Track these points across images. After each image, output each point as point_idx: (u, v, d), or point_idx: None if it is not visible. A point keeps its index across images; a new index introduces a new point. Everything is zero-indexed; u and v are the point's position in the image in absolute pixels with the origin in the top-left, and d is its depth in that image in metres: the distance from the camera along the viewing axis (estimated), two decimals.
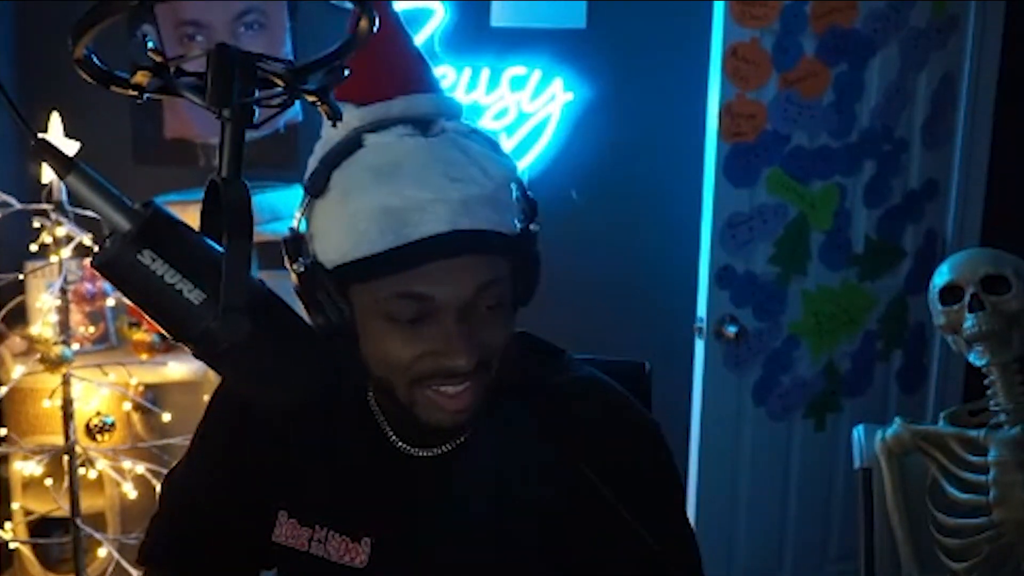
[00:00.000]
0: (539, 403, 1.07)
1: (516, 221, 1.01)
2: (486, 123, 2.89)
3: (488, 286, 0.98)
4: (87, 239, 2.13)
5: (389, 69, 1.01)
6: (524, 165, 2.90)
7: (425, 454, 1.09)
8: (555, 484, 1.03)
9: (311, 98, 0.80)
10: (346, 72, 0.80)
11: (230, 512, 1.12)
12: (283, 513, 1.09)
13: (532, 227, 1.02)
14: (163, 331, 0.73)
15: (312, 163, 0.99)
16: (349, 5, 0.77)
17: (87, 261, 2.46)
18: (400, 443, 1.09)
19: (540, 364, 1.13)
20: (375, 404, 1.11)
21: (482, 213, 0.96)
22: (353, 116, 0.99)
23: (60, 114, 2.18)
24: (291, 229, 0.99)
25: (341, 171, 0.97)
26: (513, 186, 1.01)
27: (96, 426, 2.54)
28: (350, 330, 0.98)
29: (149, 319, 0.73)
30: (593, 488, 1.01)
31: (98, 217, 0.72)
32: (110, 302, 2.59)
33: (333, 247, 0.97)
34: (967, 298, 1.79)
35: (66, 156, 0.71)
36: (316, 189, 0.97)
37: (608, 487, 1.01)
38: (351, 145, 0.97)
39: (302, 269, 0.97)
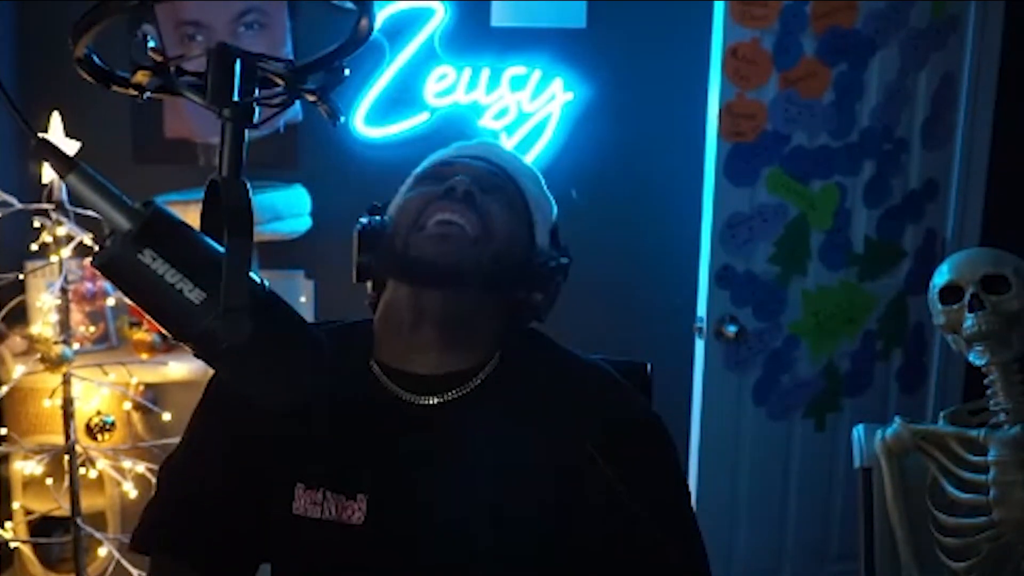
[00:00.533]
0: (548, 374, 1.17)
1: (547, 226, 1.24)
2: (486, 123, 2.89)
3: (498, 178, 1.19)
4: (87, 239, 2.13)
5: None
6: None
7: (425, 402, 1.13)
8: (554, 451, 1.09)
9: (311, 98, 0.81)
10: (346, 72, 0.80)
11: (232, 492, 1.14)
12: (300, 485, 1.11)
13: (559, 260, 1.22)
14: (164, 330, 0.73)
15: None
16: (349, 5, 0.77)
17: (87, 261, 2.46)
18: (401, 392, 1.14)
19: (552, 348, 1.23)
20: (376, 365, 1.17)
21: (511, 164, 1.24)
22: None
23: (60, 114, 2.18)
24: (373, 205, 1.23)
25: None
26: (537, 182, 1.26)
27: (96, 426, 2.54)
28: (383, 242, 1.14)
29: (150, 318, 0.74)
30: (594, 463, 1.06)
31: (98, 217, 0.72)
32: (110, 302, 2.59)
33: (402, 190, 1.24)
34: (967, 298, 1.78)
35: (66, 156, 0.71)
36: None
37: (611, 467, 1.06)
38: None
39: (359, 225, 1.16)
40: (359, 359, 1.18)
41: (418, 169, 1.26)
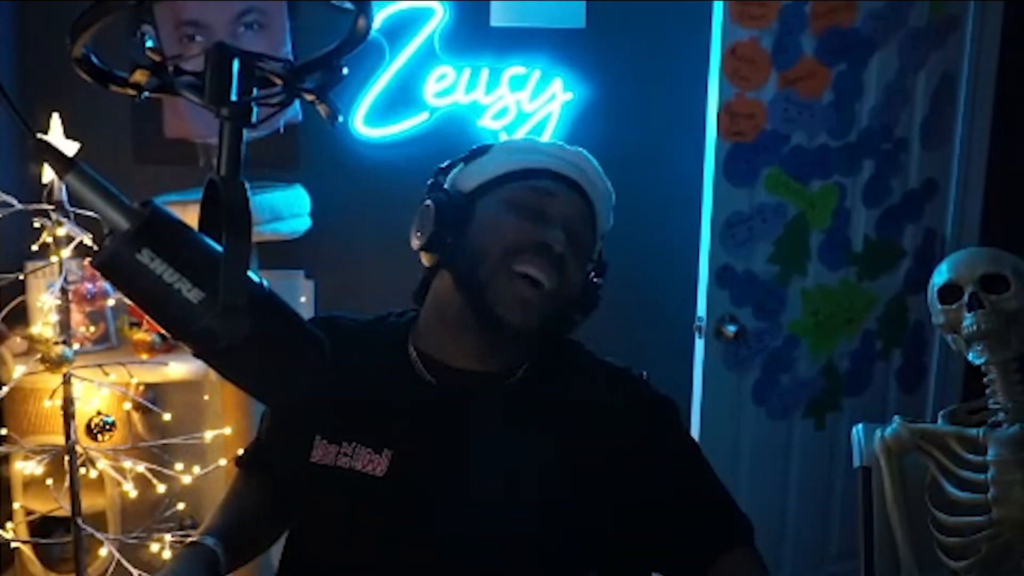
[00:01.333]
0: (578, 371, 1.29)
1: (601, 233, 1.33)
2: (486, 123, 2.89)
3: (585, 226, 1.26)
4: (87, 239, 2.13)
5: None
6: None
7: (451, 385, 1.24)
8: (580, 438, 1.20)
9: (310, 97, 0.81)
10: (344, 71, 0.80)
11: (284, 440, 1.29)
12: (318, 437, 1.22)
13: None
14: (163, 330, 0.73)
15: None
16: (348, 5, 0.78)
17: (87, 261, 2.46)
18: (430, 378, 1.25)
19: (580, 351, 1.36)
20: (413, 351, 1.27)
21: (595, 190, 1.30)
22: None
23: (60, 114, 2.18)
24: (440, 167, 1.29)
25: (500, 143, 1.31)
26: (610, 200, 1.35)
27: (97, 426, 2.54)
28: (460, 233, 1.21)
29: (149, 318, 0.74)
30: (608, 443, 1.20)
31: (97, 216, 0.72)
32: (110, 302, 2.59)
33: (480, 173, 1.25)
34: (966, 297, 1.79)
35: (65, 156, 0.71)
36: (477, 151, 1.29)
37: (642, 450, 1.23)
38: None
39: (442, 187, 1.26)
40: (399, 343, 1.29)
41: (513, 163, 1.27)
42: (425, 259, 1.28)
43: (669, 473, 1.26)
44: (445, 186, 1.27)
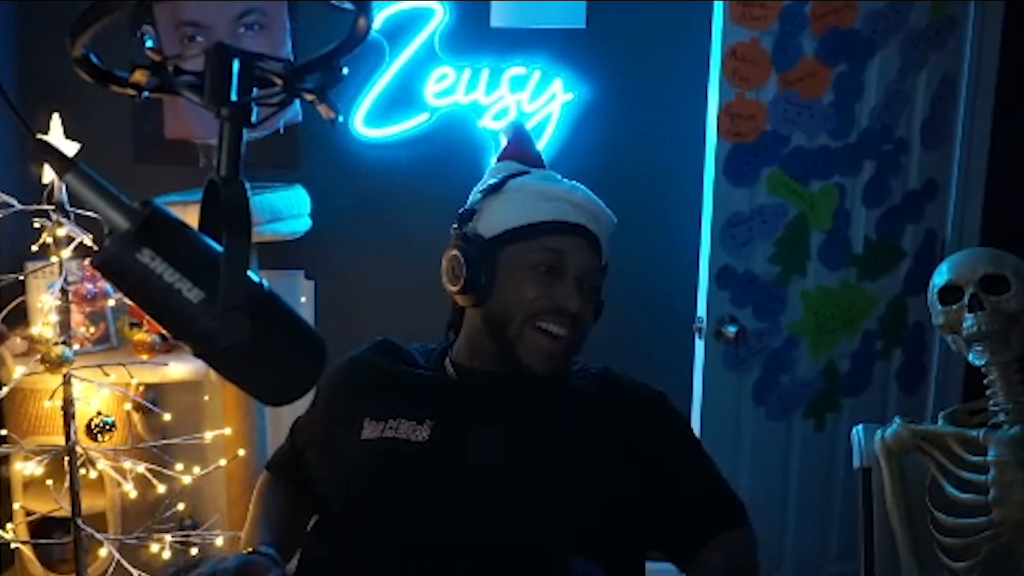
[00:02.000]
0: (591, 377, 1.47)
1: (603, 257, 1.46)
2: (486, 123, 2.89)
3: (593, 271, 1.42)
4: (88, 239, 2.13)
5: None
6: None
7: (480, 379, 1.42)
8: (593, 422, 1.37)
9: (310, 97, 0.81)
10: (344, 71, 0.80)
11: (334, 429, 1.42)
12: (367, 419, 1.37)
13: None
14: (163, 330, 0.73)
15: (487, 177, 1.46)
16: (348, 5, 0.77)
17: (87, 261, 2.46)
18: (461, 378, 1.43)
19: (587, 362, 1.52)
20: (450, 365, 1.45)
21: (602, 232, 1.45)
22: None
23: (60, 114, 2.18)
24: (465, 209, 1.42)
25: (514, 181, 1.44)
26: (612, 228, 1.48)
27: (97, 426, 2.54)
28: (489, 281, 1.37)
29: (149, 318, 0.74)
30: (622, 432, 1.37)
31: (98, 217, 0.72)
32: (111, 302, 2.59)
33: (499, 221, 1.39)
34: (966, 298, 1.79)
35: (65, 156, 0.71)
36: (493, 189, 1.42)
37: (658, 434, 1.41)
38: (521, 171, 1.48)
39: (466, 237, 1.39)
40: (438, 357, 1.48)
41: (528, 215, 1.40)
42: (461, 301, 1.43)
43: (664, 459, 1.39)
44: (467, 233, 1.40)
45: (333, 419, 1.43)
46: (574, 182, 1.49)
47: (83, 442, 2.33)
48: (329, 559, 1.34)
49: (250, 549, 1.30)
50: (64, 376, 2.17)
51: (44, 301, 2.19)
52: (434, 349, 1.52)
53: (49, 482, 2.40)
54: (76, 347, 2.26)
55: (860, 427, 1.93)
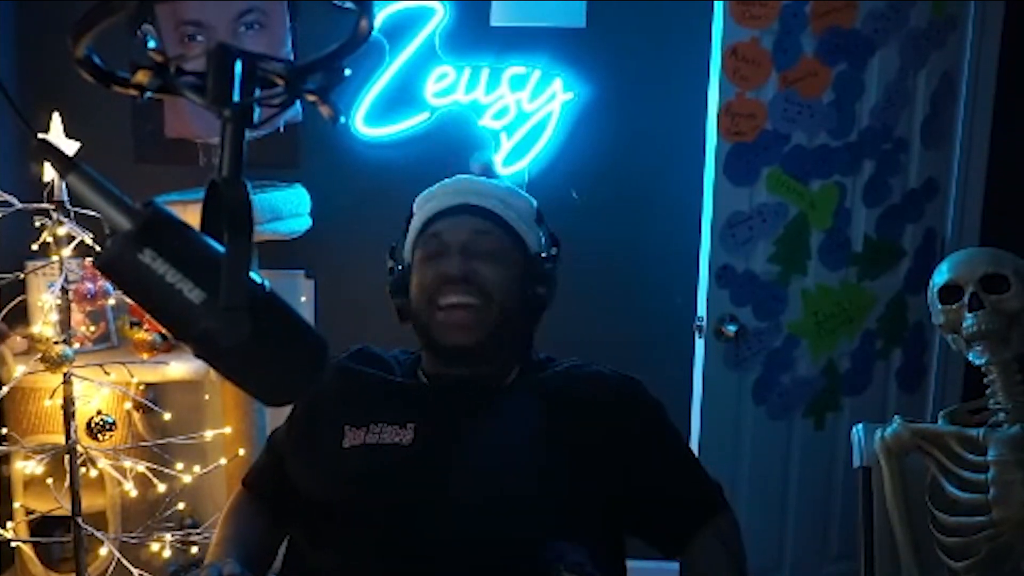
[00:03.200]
0: (561, 374, 1.47)
1: (537, 237, 1.47)
2: (486, 122, 2.89)
3: (484, 233, 1.41)
4: (88, 238, 2.13)
5: None
6: (524, 164, 2.91)
7: (455, 384, 1.44)
8: (571, 421, 1.38)
9: (311, 98, 0.81)
10: (346, 72, 0.80)
11: (314, 441, 1.43)
12: (348, 427, 1.38)
13: (551, 252, 1.48)
14: (164, 330, 0.73)
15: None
16: (349, 5, 0.77)
17: (88, 260, 2.46)
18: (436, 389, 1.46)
19: (557, 361, 1.53)
20: (422, 373, 1.49)
21: (490, 201, 1.44)
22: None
23: (61, 114, 2.18)
24: (392, 246, 1.51)
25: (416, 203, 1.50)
26: (533, 213, 1.48)
27: (97, 425, 2.54)
28: (407, 299, 1.45)
29: (150, 318, 0.74)
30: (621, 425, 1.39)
31: (99, 216, 0.72)
32: (111, 301, 2.59)
33: (407, 244, 1.48)
34: (966, 297, 1.79)
35: (66, 156, 0.71)
36: (407, 220, 1.49)
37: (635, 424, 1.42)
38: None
39: (391, 271, 1.49)
40: (411, 366, 1.51)
41: (419, 223, 1.48)
42: (406, 327, 1.50)
43: (643, 449, 1.41)
44: (392, 267, 1.50)
45: (314, 428, 1.44)
46: (463, 175, 1.53)
47: (83, 441, 2.33)
48: (316, 566, 1.35)
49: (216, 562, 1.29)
50: (64, 375, 2.17)
51: (44, 300, 2.19)
52: (412, 354, 1.55)
53: (49, 481, 2.40)
54: (76, 346, 2.26)
55: (860, 426, 1.93)
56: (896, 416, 1.87)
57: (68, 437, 2.21)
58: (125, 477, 2.28)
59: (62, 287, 2.16)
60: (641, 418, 1.45)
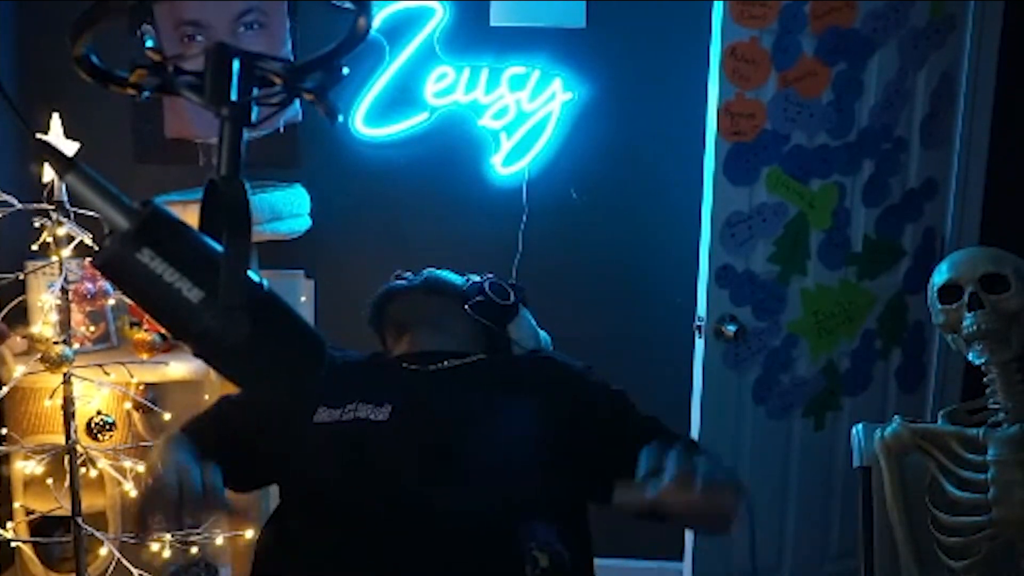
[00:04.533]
0: (518, 358, 1.60)
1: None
2: (486, 122, 2.89)
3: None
4: (88, 239, 2.13)
5: None
6: (524, 164, 2.91)
7: (430, 368, 1.51)
8: (529, 395, 1.45)
9: (310, 97, 0.81)
10: (345, 71, 0.80)
11: (267, 422, 1.43)
12: (322, 407, 1.41)
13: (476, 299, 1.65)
14: (163, 329, 0.73)
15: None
16: (349, 5, 0.78)
17: (88, 260, 2.46)
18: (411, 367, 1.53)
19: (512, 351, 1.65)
20: (394, 359, 1.58)
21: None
22: None
23: (60, 114, 2.18)
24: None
25: None
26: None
27: (97, 425, 2.54)
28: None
29: (149, 317, 0.74)
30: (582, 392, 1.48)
31: (98, 216, 0.72)
32: (111, 301, 2.59)
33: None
34: (966, 297, 1.79)
35: (65, 156, 0.71)
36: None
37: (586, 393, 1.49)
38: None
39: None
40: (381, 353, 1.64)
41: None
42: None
43: (595, 412, 1.46)
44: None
45: (285, 407, 1.44)
46: None
47: (83, 441, 2.33)
48: (289, 542, 1.36)
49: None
50: (64, 375, 2.17)
51: (44, 300, 2.19)
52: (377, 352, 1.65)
53: (49, 481, 2.40)
54: (76, 346, 2.26)
55: (860, 426, 1.93)
56: (896, 416, 1.88)
57: (68, 437, 2.21)
58: (125, 477, 2.28)
59: (62, 287, 2.16)
60: (595, 392, 1.51)
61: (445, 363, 1.51)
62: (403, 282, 1.67)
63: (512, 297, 1.65)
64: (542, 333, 1.74)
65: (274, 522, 1.43)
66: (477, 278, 1.68)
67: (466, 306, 1.60)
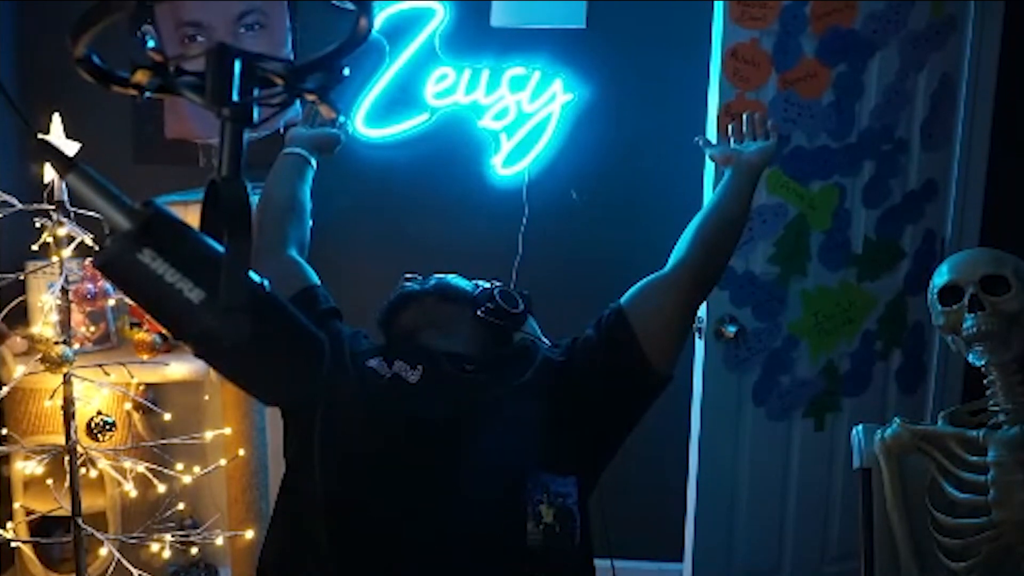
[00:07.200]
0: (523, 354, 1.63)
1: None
2: (486, 123, 2.89)
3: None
4: (88, 239, 2.13)
5: None
6: (524, 165, 2.91)
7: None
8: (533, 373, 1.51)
9: (311, 97, 0.81)
10: (345, 72, 0.80)
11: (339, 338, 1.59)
12: (381, 358, 1.52)
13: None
14: (164, 330, 0.73)
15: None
16: (349, 5, 0.78)
17: (88, 261, 2.46)
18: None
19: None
20: None
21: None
22: None
23: (61, 114, 2.18)
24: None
25: None
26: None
27: (97, 426, 2.54)
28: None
29: (150, 318, 0.74)
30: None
31: (99, 216, 0.72)
32: (111, 302, 2.60)
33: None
34: (966, 298, 1.79)
35: (66, 156, 0.71)
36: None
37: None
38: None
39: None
40: None
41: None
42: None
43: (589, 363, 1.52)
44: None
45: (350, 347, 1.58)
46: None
47: (83, 442, 2.33)
48: (309, 496, 1.41)
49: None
50: (64, 375, 2.17)
51: (44, 300, 2.19)
52: None
53: (49, 481, 2.40)
54: (76, 347, 2.26)
55: (860, 427, 1.93)
56: (896, 417, 1.87)
57: (68, 437, 2.21)
58: (125, 477, 2.28)
59: (62, 288, 2.16)
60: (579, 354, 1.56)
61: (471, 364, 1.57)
62: (415, 286, 1.71)
63: (521, 305, 1.67)
64: (545, 342, 1.74)
65: (278, 518, 1.48)
66: (486, 284, 1.69)
67: (479, 312, 1.61)
